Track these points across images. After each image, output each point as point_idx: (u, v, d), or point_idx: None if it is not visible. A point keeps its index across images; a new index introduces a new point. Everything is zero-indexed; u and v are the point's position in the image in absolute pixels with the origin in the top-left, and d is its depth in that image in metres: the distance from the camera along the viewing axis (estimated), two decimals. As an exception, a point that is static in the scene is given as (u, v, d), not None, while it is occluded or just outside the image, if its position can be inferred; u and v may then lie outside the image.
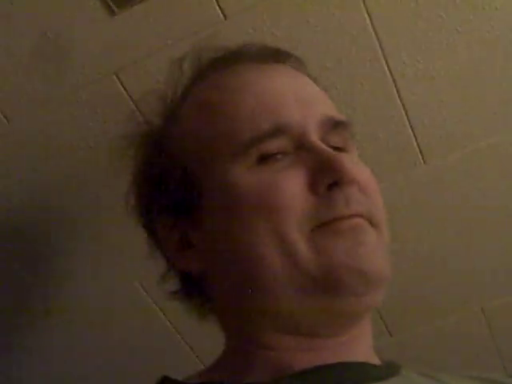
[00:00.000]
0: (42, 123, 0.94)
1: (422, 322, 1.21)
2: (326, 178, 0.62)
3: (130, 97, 0.93)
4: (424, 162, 1.04)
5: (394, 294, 1.13)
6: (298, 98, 0.66)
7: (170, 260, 0.73)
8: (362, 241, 0.61)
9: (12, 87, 0.90)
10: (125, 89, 0.92)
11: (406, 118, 0.99)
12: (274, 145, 0.64)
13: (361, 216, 0.62)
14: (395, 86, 0.96)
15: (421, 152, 1.03)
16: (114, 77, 0.91)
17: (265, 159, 0.63)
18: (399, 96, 0.97)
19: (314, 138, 0.65)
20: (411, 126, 1.00)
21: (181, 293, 0.75)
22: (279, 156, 0.64)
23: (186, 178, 0.67)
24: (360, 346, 0.66)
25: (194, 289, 0.73)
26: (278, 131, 0.64)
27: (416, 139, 1.02)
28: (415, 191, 1.08)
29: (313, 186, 0.62)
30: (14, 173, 0.98)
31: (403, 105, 0.98)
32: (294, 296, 0.61)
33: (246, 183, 0.63)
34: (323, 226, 0.61)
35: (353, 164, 0.64)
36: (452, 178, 1.07)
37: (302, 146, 0.64)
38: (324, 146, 0.64)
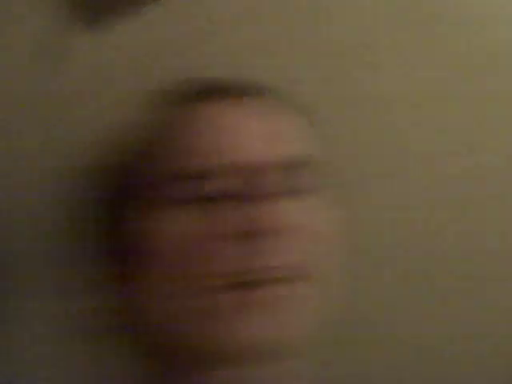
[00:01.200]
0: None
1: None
2: (233, 227, 0.58)
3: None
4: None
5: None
6: (245, 138, 0.62)
7: None
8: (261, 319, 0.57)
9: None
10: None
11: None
12: (193, 189, 0.60)
13: (285, 267, 0.58)
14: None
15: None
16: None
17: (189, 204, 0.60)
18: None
19: (248, 180, 0.60)
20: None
21: None
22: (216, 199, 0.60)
23: None
24: None
25: None
26: (201, 177, 0.60)
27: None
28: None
29: (224, 237, 0.58)
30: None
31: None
32: None
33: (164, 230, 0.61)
34: (237, 289, 0.57)
35: (282, 211, 0.59)
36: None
37: (230, 189, 0.60)
38: (249, 190, 0.59)
